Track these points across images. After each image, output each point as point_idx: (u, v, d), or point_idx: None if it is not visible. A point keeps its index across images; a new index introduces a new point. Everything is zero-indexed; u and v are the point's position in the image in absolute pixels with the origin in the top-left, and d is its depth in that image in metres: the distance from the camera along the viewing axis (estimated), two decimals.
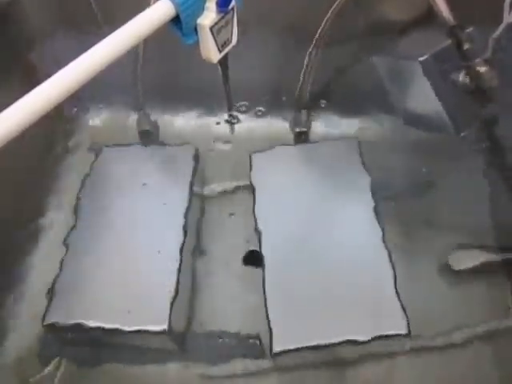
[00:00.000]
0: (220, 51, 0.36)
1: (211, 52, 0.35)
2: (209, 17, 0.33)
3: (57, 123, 0.68)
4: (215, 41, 0.34)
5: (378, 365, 0.49)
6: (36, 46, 0.60)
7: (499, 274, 0.55)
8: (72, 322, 0.47)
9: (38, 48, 0.60)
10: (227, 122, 0.65)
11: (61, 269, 0.51)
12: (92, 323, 0.47)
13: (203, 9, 0.32)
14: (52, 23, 0.60)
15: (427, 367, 0.50)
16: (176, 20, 0.31)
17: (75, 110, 0.70)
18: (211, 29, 0.33)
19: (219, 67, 0.40)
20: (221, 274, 0.56)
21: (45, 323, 0.47)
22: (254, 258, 0.56)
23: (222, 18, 0.34)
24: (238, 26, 0.36)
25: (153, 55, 0.57)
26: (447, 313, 0.52)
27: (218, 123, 0.69)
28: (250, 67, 0.59)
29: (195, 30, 0.33)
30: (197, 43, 0.34)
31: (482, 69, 0.43)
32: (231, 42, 0.37)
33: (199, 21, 0.33)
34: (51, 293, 0.49)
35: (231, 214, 0.61)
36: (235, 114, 0.63)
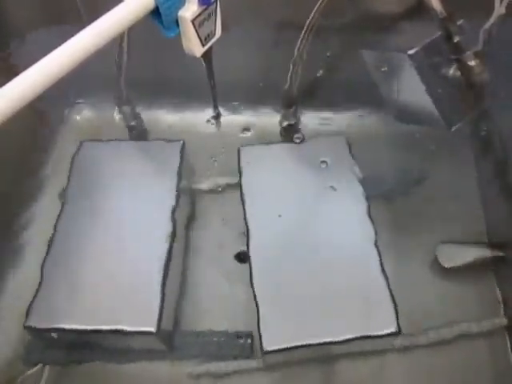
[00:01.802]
0: (203, 45, 0.35)
1: (194, 46, 0.34)
2: (190, 9, 0.31)
3: (43, 120, 0.67)
4: (197, 34, 0.33)
5: (368, 362, 0.49)
6: (17, 41, 0.59)
7: (489, 271, 0.55)
8: (57, 323, 0.46)
9: (20, 42, 0.59)
10: (213, 117, 0.64)
11: (43, 267, 0.50)
12: (78, 324, 0.46)
13: (184, 0, 0.31)
14: (34, 17, 0.59)
15: (417, 364, 0.50)
16: (156, 12, 0.30)
17: (62, 105, 0.69)
18: (193, 21, 0.32)
19: (203, 61, 0.39)
20: (210, 271, 0.56)
21: (27, 325, 0.46)
22: (244, 256, 0.55)
23: (205, 9, 0.32)
24: (222, 18, 0.35)
25: (139, 49, 0.56)
26: (437, 310, 0.52)
27: (204, 118, 0.68)
28: (236, 61, 0.58)
29: (177, 22, 0.32)
30: (179, 36, 0.33)
31: (473, 62, 0.42)
32: (215, 35, 0.35)
33: (180, 13, 0.31)
34: (35, 292, 0.48)
35: (220, 211, 0.60)
36: (221, 108, 0.62)
